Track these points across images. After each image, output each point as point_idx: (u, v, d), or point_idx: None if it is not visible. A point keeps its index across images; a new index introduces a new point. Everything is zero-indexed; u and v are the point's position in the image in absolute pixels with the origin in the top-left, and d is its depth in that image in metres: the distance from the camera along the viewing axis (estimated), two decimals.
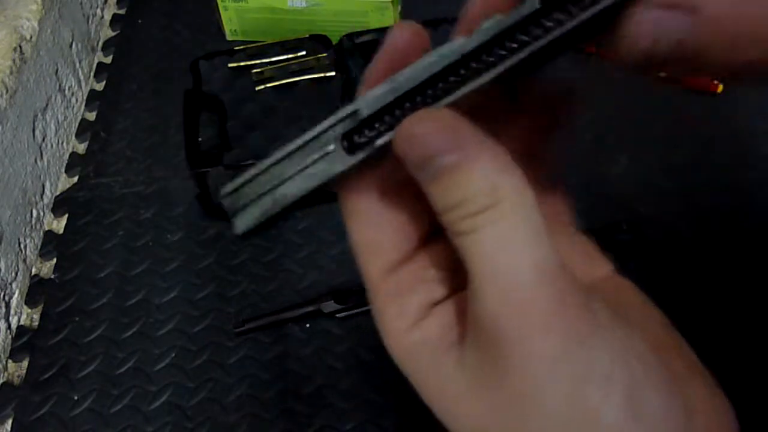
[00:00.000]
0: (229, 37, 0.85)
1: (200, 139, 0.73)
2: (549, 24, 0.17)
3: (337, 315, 0.58)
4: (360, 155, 0.20)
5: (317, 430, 0.52)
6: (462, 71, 0.18)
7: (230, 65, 0.76)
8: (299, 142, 0.21)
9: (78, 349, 0.58)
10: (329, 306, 0.58)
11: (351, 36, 0.78)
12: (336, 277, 0.61)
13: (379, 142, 0.19)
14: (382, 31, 0.78)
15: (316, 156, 0.20)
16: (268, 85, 0.74)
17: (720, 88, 0.71)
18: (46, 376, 0.56)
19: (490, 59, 0.18)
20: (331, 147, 0.20)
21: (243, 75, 0.75)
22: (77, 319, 0.60)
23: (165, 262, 0.63)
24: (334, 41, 0.78)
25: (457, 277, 0.22)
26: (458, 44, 0.18)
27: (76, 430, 0.53)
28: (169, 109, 0.76)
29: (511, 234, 0.17)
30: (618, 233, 0.60)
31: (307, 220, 0.65)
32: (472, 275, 0.18)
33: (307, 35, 0.79)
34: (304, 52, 0.77)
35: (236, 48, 0.78)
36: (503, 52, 0.18)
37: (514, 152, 0.18)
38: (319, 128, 0.20)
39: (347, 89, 0.74)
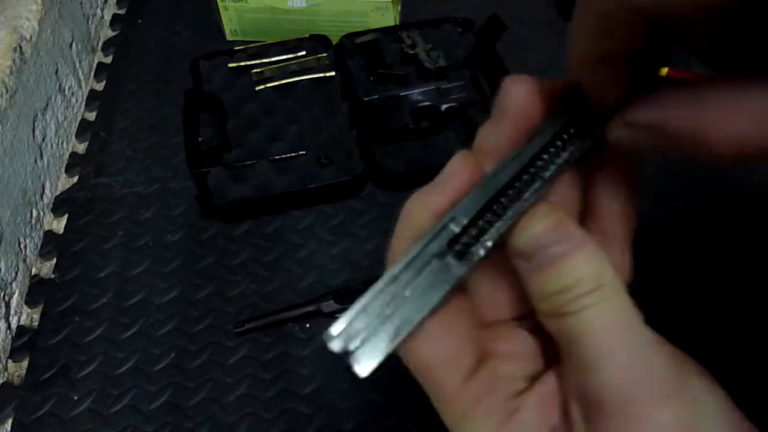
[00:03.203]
0: (229, 37, 0.85)
1: (200, 139, 0.73)
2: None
3: (337, 315, 0.58)
4: (473, 258, 0.21)
5: (317, 430, 0.52)
6: (531, 170, 0.22)
7: (230, 65, 0.76)
8: (402, 264, 0.21)
9: (78, 349, 0.58)
10: (329, 306, 0.58)
11: (351, 36, 0.78)
12: (336, 277, 0.61)
13: (489, 243, 0.21)
14: (382, 31, 0.79)
15: (429, 270, 0.21)
16: (268, 85, 0.74)
17: None
18: (46, 376, 0.56)
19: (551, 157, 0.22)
20: (443, 259, 0.21)
21: (243, 75, 0.75)
22: (77, 319, 0.60)
23: (165, 262, 0.63)
24: (334, 41, 0.78)
25: (532, 363, 0.23)
26: (526, 151, 0.22)
27: (76, 430, 0.53)
28: (169, 109, 0.76)
29: (618, 312, 0.20)
30: None
31: (307, 220, 0.65)
32: (581, 352, 0.20)
33: (307, 35, 0.79)
34: (304, 52, 0.77)
35: (236, 48, 0.78)
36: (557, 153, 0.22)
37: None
38: (417, 247, 0.21)
39: (347, 89, 0.74)
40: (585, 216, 0.25)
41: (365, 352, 0.20)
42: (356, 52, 0.77)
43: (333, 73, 0.75)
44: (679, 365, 0.20)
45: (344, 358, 0.21)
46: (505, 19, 0.73)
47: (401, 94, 0.71)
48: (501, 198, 0.21)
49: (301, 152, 0.68)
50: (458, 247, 0.21)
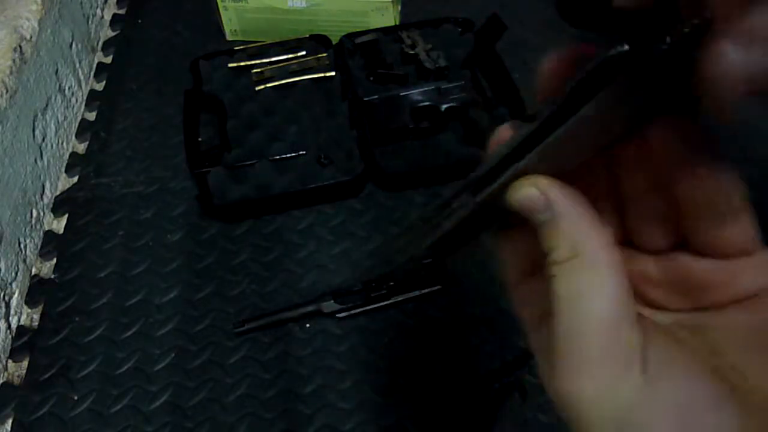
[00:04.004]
0: (229, 37, 0.85)
1: (200, 139, 0.73)
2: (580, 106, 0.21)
3: (337, 315, 0.58)
4: (480, 195, 0.25)
5: (317, 430, 0.52)
6: (528, 149, 0.23)
7: (230, 65, 0.76)
8: (449, 194, 0.26)
9: (78, 349, 0.58)
10: (329, 306, 0.58)
11: (351, 36, 0.78)
12: (336, 277, 0.61)
13: (484, 195, 0.25)
14: (382, 31, 0.79)
15: (456, 204, 0.26)
16: (268, 85, 0.74)
17: None
18: (46, 376, 0.56)
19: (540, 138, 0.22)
20: (464, 200, 0.26)
21: (243, 75, 0.75)
22: (77, 319, 0.60)
23: (165, 262, 0.63)
24: (334, 41, 0.78)
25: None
26: (525, 128, 0.23)
27: (76, 430, 0.53)
28: (169, 109, 0.76)
29: (580, 289, 0.21)
30: None
31: (307, 220, 0.65)
32: (551, 305, 0.22)
33: (307, 35, 0.79)
34: (304, 52, 0.77)
35: (236, 48, 0.78)
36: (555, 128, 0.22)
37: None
38: (454, 190, 0.26)
39: (347, 89, 0.74)
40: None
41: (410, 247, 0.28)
42: (356, 52, 0.77)
43: (333, 73, 0.75)
44: (630, 353, 0.21)
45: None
46: (505, 19, 0.73)
47: (401, 94, 0.71)
48: (507, 162, 0.24)
49: (301, 152, 0.68)
50: (472, 192, 0.25)
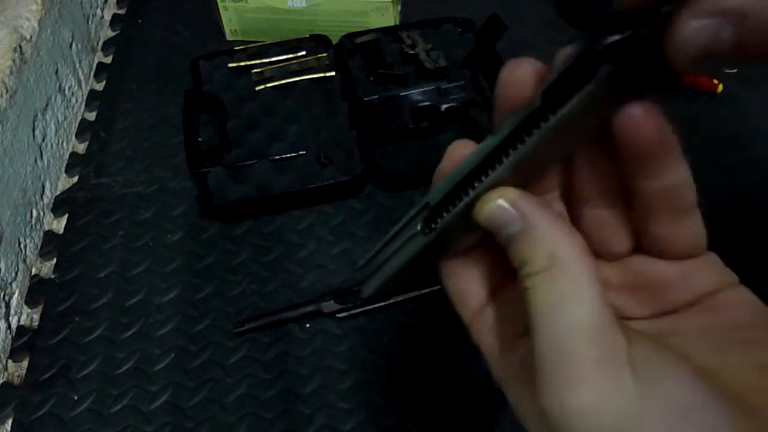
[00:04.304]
0: (229, 37, 0.85)
1: (200, 139, 0.73)
2: (550, 116, 0.21)
3: (337, 315, 0.58)
4: (432, 235, 0.25)
5: (317, 430, 0.52)
6: (495, 163, 0.22)
7: (230, 65, 0.76)
8: (397, 227, 0.26)
9: (78, 349, 0.58)
10: (329, 306, 0.58)
11: (351, 36, 0.78)
12: (336, 277, 0.61)
13: (443, 223, 0.24)
14: (382, 31, 0.79)
15: (404, 239, 0.26)
16: (268, 85, 0.74)
17: (720, 88, 0.71)
18: (46, 376, 0.56)
19: (510, 149, 0.22)
20: (413, 231, 0.25)
21: (243, 75, 0.75)
22: (77, 319, 0.60)
23: (165, 262, 0.63)
24: (334, 41, 0.78)
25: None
26: (489, 142, 0.23)
27: (76, 430, 0.53)
28: (169, 109, 0.76)
29: (560, 297, 0.21)
30: None
31: (307, 220, 0.65)
32: (529, 321, 0.21)
33: (307, 35, 0.79)
34: (304, 52, 0.77)
35: (236, 48, 0.78)
36: (518, 143, 0.22)
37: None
38: (405, 218, 0.26)
39: (347, 89, 0.74)
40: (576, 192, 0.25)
41: (369, 283, 0.28)
42: (356, 52, 0.77)
43: (333, 73, 0.75)
44: (616, 361, 0.20)
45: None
46: (505, 19, 0.73)
47: (401, 94, 0.71)
48: (468, 181, 0.23)
49: (301, 152, 0.68)
50: (425, 223, 0.25)
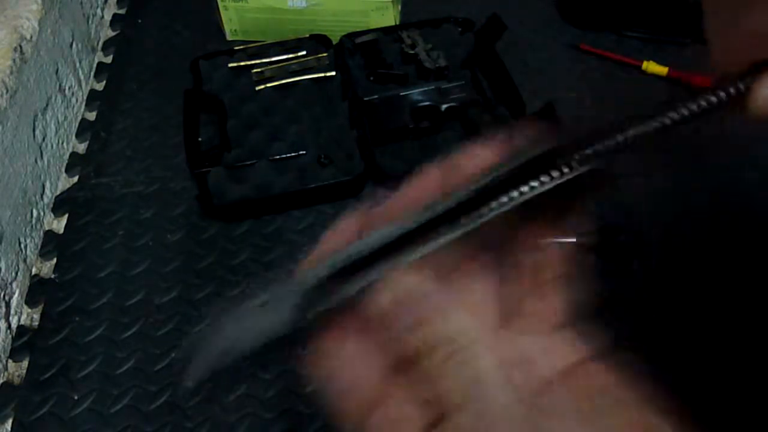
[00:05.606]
0: (229, 37, 0.85)
1: (200, 139, 0.73)
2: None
3: None
4: (324, 303, 0.23)
5: (317, 430, 0.52)
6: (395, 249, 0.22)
7: (230, 65, 0.76)
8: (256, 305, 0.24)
9: (78, 349, 0.58)
10: None
11: (351, 36, 0.78)
12: None
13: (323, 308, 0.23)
14: (382, 31, 0.79)
15: (269, 318, 0.24)
16: (268, 85, 0.74)
17: None
18: (46, 376, 0.56)
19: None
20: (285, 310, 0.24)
21: (243, 75, 0.75)
22: (77, 319, 0.60)
23: (165, 262, 0.63)
24: (334, 41, 0.78)
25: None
26: (394, 228, 0.22)
27: (76, 430, 0.53)
28: (169, 109, 0.76)
29: (468, 376, 0.21)
30: (618, 234, 0.60)
31: (307, 220, 0.65)
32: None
33: (307, 35, 0.79)
34: (304, 52, 0.77)
35: (236, 48, 0.78)
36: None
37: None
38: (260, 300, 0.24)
39: (347, 89, 0.74)
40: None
41: (193, 367, 0.25)
42: (356, 52, 0.77)
43: (333, 73, 0.75)
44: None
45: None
46: (505, 19, 0.73)
47: (401, 94, 0.71)
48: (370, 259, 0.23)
49: (301, 152, 0.68)
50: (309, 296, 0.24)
